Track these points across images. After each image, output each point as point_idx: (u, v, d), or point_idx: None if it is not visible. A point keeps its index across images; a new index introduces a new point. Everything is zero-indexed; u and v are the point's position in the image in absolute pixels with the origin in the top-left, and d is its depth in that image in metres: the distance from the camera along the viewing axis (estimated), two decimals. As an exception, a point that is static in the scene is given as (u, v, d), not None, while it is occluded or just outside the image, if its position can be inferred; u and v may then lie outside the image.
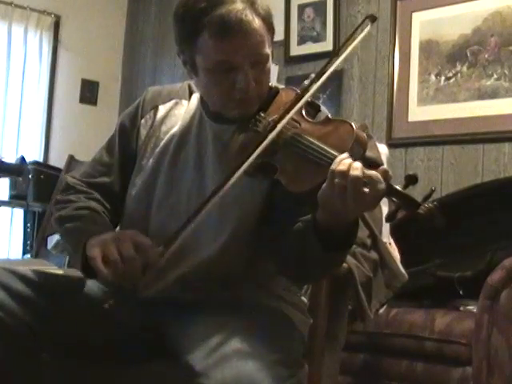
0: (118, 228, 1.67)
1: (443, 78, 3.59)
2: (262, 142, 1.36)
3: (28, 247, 4.50)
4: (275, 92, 1.52)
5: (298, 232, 1.38)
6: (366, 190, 1.21)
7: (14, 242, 4.82)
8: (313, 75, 1.44)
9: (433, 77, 3.63)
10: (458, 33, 3.54)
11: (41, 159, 4.95)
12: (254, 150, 1.35)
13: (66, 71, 5.22)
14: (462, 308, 2.72)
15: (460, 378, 2.44)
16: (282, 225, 1.43)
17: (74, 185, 1.65)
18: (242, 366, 1.27)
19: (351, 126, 1.33)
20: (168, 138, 1.59)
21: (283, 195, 1.38)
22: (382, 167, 1.22)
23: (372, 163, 1.26)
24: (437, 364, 2.52)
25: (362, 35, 1.44)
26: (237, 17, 1.39)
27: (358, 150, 1.30)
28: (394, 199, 1.23)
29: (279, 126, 1.37)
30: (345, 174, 1.22)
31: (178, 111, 1.62)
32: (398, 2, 3.80)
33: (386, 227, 2.37)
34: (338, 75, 3.96)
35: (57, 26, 5.18)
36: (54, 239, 3.98)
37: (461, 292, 2.75)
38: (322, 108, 1.49)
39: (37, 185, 4.37)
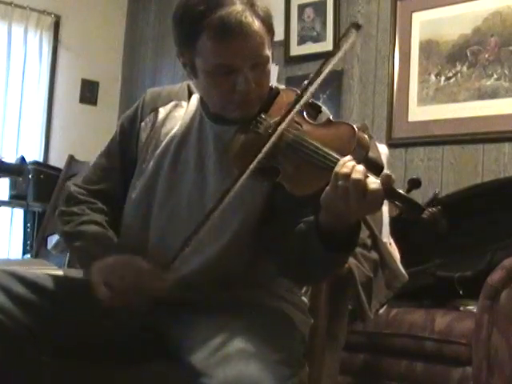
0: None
1: (443, 78, 3.59)
2: (263, 145, 1.36)
3: (28, 247, 4.50)
4: (276, 93, 1.51)
5: (299, 233, 1.38)
6: (368, 192, 1.21)
7: (14, 242, 4.82)
8: (312, 76, 1.44)
9: (433, 77, 3.63)
10: (458, 33, 3.54)
11: (41, 159, 4.95)
12: (256, 154, 1.35)
13: (65, 71, 5.22)
14: (462, 308, 2.72)
15: (460, 378, 2.44)
16: (283, 226, 1.43)
17: (76, 194, 1.65)
18: (243, 365, 1.28)
19: (353, 128, 1.33)
20: (168, 140, 1.59)
21: (285, 197, 1.38)
22: (385, 172, 1.22)
23: (374, 167, 1.26)
24: (437, 364, 2.52)
25: (348, 43, 1.43)
26: (236, 19, 1.38)
27: (361, 153, 1.30)
28: (397, 203, 1.23)
29: (281, 128, 1.37)
30: (348, 177, 1.22)
31: (178, 113, 1.61)
32: (398, 2, 3.80)
33: (386, 227, 2.37)
34: (338, 75, 3.96)
35: (57, 26, 5.18)
36: (53, 239, 3.98)
37: (461, 292, 2.75)
38: (324, 109, 1.48)
39: (37, 185, 4.38)
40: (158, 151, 1.58)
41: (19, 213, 4.80)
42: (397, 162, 3.65)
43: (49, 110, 5.13)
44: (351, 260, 2.04)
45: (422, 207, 1.21)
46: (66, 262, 3.52)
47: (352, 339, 2.26)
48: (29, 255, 4.28)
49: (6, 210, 4.80)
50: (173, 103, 1.63)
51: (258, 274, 1.54)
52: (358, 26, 1.45)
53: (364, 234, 2.15)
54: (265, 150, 1.35)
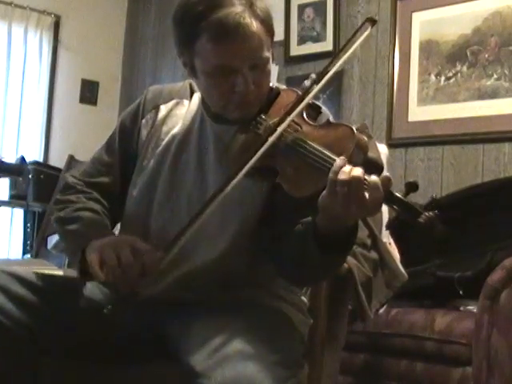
0: (118, 225, 1.67)
1: (443, 78, 3.59)
2: (262, 145, 1.35)
3: (28, 247, 4.50)
4: (276, 93, 1.51)
5: (298, 234, 1.38)
6: (367, 195, 1.20)
7: (14, 242, 4.82)
8: (313, 75, 1.43)
9: (433, 77, 3.63)
10: (458, 33, 3.54)
11: (41, 159, 4.95)
12: (255, 153, 1.35)
13: (66, 71, 5.22)
14: (462, 308, 2.72)
15: (460, 378, 2.44)
16: (282, 227, 1.42)
17: (73, 184, 1.65)
18: (242, 366, 1.28)
19: (352, 130, 1.33)
20: (169, 139, 1.59)
21: (283, 197, 1.37)
22: (383, 174, 1.22)
23: (373, 167, 1.25)
24: (437, 364, 2.52)
25: (361, 38, 1.43)
26: (235, 20, 1.37)
27: (359, 155, 1.30)
28: (394, 207, 1.23)
29: (279, 130, 1.36)
30: (346, 183, 1.21)
31: (180, 111, 1.61)
32: (398, 2, 3.80)
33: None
34: (338, 75, 3.95)
35: (57, 26, 5.18)
36: (53, 239, 3.98)
37: (461, 292, 2.75)
38: (324, 109, 1.48)
39: (37, 185, 4.38)
40: (159, 150, 1.58)
41: (19, 213, 4.80)
42: (397, 162, 3.65)
43: (49, 110, 5.13)
44: (351, 260, 2.04)
45: (419, 211, 1.21)
46: (66, 262, 3.52)
47: (352, 339, 2.26)
48: (29, 255, 4.28)
49: (6, 210, 4.80)
50: (174, 101, 1.63)
51: (258, 275, 1.54)
52: (373, 21, 1.45)
53: (364, 233, 2.15)
54: (263, 149, 1.35)
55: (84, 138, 4.97)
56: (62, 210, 1.60)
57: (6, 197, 4.58)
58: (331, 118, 1.46)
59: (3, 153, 4.75)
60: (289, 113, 1.39)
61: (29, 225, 4.58)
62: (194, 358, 1.34)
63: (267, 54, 1.44)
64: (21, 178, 4.43)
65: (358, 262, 2.09)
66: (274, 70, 4.13)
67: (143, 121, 1.63)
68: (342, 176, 1.22)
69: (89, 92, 5.32)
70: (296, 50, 4.24)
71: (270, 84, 1.51)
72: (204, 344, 1.35)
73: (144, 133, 1.62)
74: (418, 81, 3.68)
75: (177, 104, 1.63)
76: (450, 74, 3.57)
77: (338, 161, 1.24)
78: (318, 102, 1.47)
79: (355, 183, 1.21)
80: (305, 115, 1.42)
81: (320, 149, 1.32)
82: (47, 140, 5.13)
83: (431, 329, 2.54)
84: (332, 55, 3.89)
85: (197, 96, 1.61)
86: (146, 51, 5.35)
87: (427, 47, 3.67)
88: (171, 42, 1.53)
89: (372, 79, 3.91)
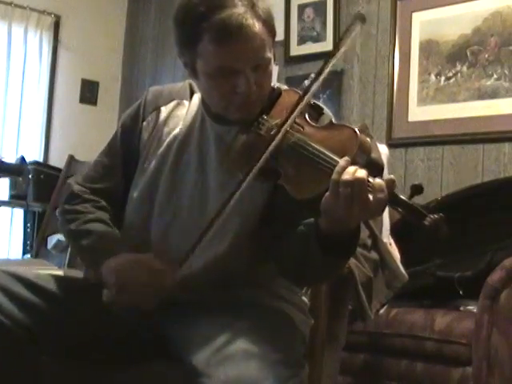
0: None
1: (443, 78, 3.59)
2: (265, 147, 1.35)
3: (28, 247, 4.50)
4: (278, 93, 1.50)
5: (300, 235, 1.38)
6: (371, 198, 1.20)
7: (14, 242, 4.82)
8: (313, 75, 1.43)
9: (433, 77, 3.63)
10: (458, 33, 3.54)
11: (41, 159, 4.95)
12: (257, 156, 1.35)
13: (65, 71, 5.22)
14: (462, 308, 2.72)
15: (460, 378, 2.44)
16: (283, 227, 1.42)
17: (80, 193, 1.64)
18: (245, 365, 1.28)
19: (355, 132, 1.32)
20: (171, 139, 1.58)
21: (285, 198, 1.37)
22: (388, 176, 1.22)
23: (374, 167, 1.25)
24: (437, 364, 2.52)
25: (351, 36, 1.42)
26: (237, 21, 1.37)
27: (362, 157, 1.29)
28: (399, 209, 1.22)
29: (283, 131, 1.36)
30: (349, 185, 1.21)
31: (180, 112, 1.61)
32: (398, 2, 3.80)
33: (386, 227, 2.37)
34: (338, 75, 3.96)
35: (57, 26, 5.18)
36: (54, 239, 3.98)
37: (461, 292, 2.75)
38: (326, 110, 1.47)
39: (37, 185, 4.38)
40: (160, 151, 1.58)
41: (19, 213, 4.80)
42: (397, 162, 3.65)
43: (49, 110, 5.13)
44: (351, 260, 2.04)
45: (425, 214, 1.20)
46: (66, 262, 3.52)
47: (352, 339, 2.26)
48: (29, 255, 4.27)
49: (6, 209, 4.80)
50: (174, 102, 1.63)
51: (259, 275, 1.54)
52: (363, 18, 1.45)
53: (364, 234, 2.14)
54: (267, 154, 1.35)
55: (84, 138, 4.97)
56: (71, 222, 1.60)
57: (6, 197, 4.58)
58: (333, 120, 1.46)
59: (3, 153, 4.75)
60: (291, 113, 1.38)
61: (29, 225, 4.58)
62: (196, 357, 1.34)
63: (269, 54, 1.44)
64: (21, 178, 4.43)
65: (358, 262, 2.09)
66: (274, 69, 4.12)
67: (144, 123, 1.63)
68: (345, 177, 1.22)
69: (89, 92, 5.31)
70: (296, 49, 4.24)
71: (272, 84, 1.51)
72: (207, 343, 1.35)
73: (145, 135, 1.61)
74: (417, 81, 3.68)
75: (177, 105, 1.63)
76: (450, 74, 3.57)
77: (342, 162, 1.24)
78: (320, 103, 1.47)
79: (358, 184, 1.20)
80: (307, 116, 1.42)
81: (323, 150, 1.31)
82: (47, 140, 5.12)
83: (431, 329, 2.54)
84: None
85: (197, 96, 1.61)
86: (145, 51, 5.35)
87: (427, 47, 3.67)
88: (171, 42, 1.53)
89: (372, 79, 3.91)
